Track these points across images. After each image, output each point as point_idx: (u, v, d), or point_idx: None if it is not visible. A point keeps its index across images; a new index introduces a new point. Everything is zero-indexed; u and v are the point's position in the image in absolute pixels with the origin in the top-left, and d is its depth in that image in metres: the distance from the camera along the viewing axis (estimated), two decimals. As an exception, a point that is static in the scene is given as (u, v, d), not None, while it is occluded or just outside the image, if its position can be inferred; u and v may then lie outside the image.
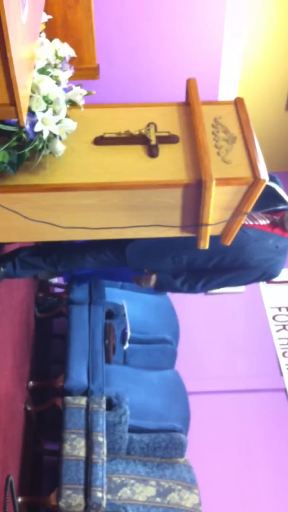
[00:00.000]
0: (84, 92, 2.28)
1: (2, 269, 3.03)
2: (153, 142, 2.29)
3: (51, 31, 2.60)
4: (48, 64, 2.20)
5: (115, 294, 4.43)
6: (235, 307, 4.99)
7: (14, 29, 1.52)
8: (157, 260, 2.95)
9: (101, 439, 3.40)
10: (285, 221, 2.83)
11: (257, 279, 2.96)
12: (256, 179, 2.22)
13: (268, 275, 2.92)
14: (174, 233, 2.46)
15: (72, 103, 2.26)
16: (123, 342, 4.19)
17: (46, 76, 2.08)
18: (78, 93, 2.26)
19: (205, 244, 2.46)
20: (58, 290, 4.80)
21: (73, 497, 3.18)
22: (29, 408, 3.65)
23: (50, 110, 2.05)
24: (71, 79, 2.27)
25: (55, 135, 2.09)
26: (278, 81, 5.30)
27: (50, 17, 2.46)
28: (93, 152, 2.30)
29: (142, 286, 3.09)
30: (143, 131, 2.32)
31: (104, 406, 3.56)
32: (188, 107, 2.43)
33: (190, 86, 2.46)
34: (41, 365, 4.22)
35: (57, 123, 2.07)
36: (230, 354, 4.70)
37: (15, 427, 3.36)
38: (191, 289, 2.98)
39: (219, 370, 4.58)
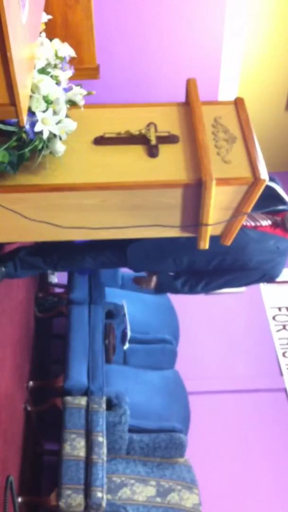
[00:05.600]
0: (84, 92, 2.28)
1: (3, 269, 3.03)
2: (153, 142, 2.29)
3: (51, 31, 2.60)
4: (48, 64, 2.20)
5: (115, 294, 4.43)
6: (235, 307, 4.99)
7: (14, 29, 1.52)
8: (158, 261, 2.94)
9: (101, 439, 3.40)
10: (286, 222, 2.83)
11: (258, 280, 2.95)
12: (256, 179, 2.22)
13: (268, 277, 2.91)
14: (174, 233, 2.46)
15: (72, 103, 2.26)
16: (123, 342, 4.19)
17: (46, 76, 2.07)
18: (78, 93, 2.26)
19: (205, 244, 2.46)
20: (58, 290, 4.80)
21: (73, 497, 3.18)
22: (29, 408, 3.65)
23: (50, 110, 2.05)
24: (71, 79, 2.27)
25: (55, 135, 2.09)
26: (278, 81, 5.30)
27: (50, 17, 2.46)
28: (93, 152, 2.30)
29: (143, 288, 3.09)
30: (143, 131, 2.32)
31: (104, 406, 3.56)
32: (188, 107, 2.43)
33: (190, 86, 2.45)
34: (41, 365, 4.22)
35: (57, 123, 2.07)
36: (230, 354, 4.70)
37: (15, 427, 3.36)
38: (192, 290, 2.97)
39: (219, 370, 4.58)
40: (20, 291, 3.70)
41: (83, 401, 3.58)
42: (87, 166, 2.26)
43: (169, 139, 2.32)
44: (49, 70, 2.16)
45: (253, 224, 2.83)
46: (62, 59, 2.27)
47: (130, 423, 3.67)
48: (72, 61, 2.37)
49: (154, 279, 3.03)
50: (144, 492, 3.48)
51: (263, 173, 2.23)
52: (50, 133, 2.05)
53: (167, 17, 3.86)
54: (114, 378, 3.91)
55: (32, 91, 2.02)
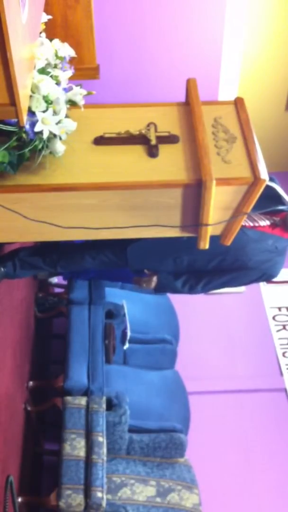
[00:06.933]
0: (84, 92, 2.28)
1: (2, 269, 3.03)
2: (153, 142, 2.29)
3: (51, 31, 2.61)
4: (48, 64, 2.20)
5: (115, 294, 4.43)
6: (235, 307, 4.99)
7: (14, 29, 1.52)
8: (158, 261, 2.95)
9: (101, 439, 3.40)
10: (286, 222, 2.84)
11: (257, 280, 2.96)
12: (256, 179, 2.22)
13: (267, 276, 2.93)
14: (174, 233, 2.46)
15: (72, 103, 2.26)
16: (123, 342, 4.19)
17: (46, 76, 2.08)
18: (78, 93, 2.26)
19: (205, 244, 2.46)
20: (58, 290, 4.80)
21: (73, 497, 3.18)
22: (29, 408, 3.65)
23: (50, 110, 2.05)
24: (71, 79, 2.27)
25: (55, 135, 2.09)
26: (278, 81, 5.30)
27: (50, 17, 2.46)
28: (93, 152, 2.30)
29: (143, 288, 3.09)
30: (143, 131, 2.32)
31: (104, 406, 3.56)
32: (188, 107, 2.43)
33: (190, 86, 2.46)
34: (41, 365, 4.22)
35: (57, 123, 2.07)
36: (230, 354, 4.70)
37: (15, 427, 3.36)
38: (192, 290, 2.98)
39: (219, 370, 4.58)
40: (20, 291, 3.70)
41: (83, 401, 3.58)
42: (87, 166, 2.26)
43: (169, 139, 2.32)
44: (49, 70, 2.16)
45: (251, 224, 2.83)
46: (62, 59, 2.27)
47: (130, 423, 3.67)
48: (72, 61, 2.37)
49: (154, 279, 3.03)
50: (144, 492, 3.48)
51: (263, 173, 2.23)
52: (50, 133, 2.06)
53: (167, 17, 3.86)
54: (114, 378, 3.91)
55: (32, 91, 2.02)
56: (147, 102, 2.65)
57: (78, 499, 3.18)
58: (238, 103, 2.46)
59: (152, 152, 2.28)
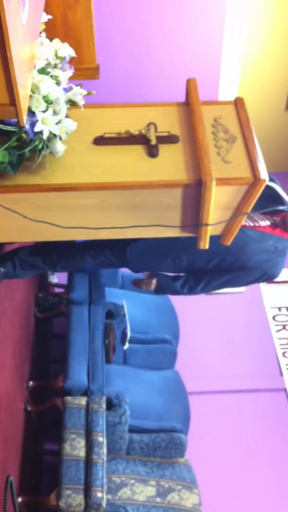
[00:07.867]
0: (84, 92, 2.28)
1: (2, 269, 3.03)
2: (153, 142, 2.29)
3: (51, 31, 2.61)
4: (48, 64, 2.20)
5: (115, 294, 4.43)
6: (235, 307, 4.99)
7: (14, 29, 1.52)
8: (157, 261, 2.95)
9: (101, 439, 3.40)
10: (286, 222, 2.83)
11: (257, 280, 2.96)
12: (256, 179, 2.22)
13: (267, 276, 2.92)
14: (174, 233, 2.46)
15: (72, 103, 2.26)
16: (123, 342, 4.19)
17: (46, 76, 2.08)
18: (78, 93, 2.26)
19: (205, 244, 2.46)
20: (58, 290, 4.80)
21: (73, 497, 3.18)
22: (29, 408, 3.65)
23: (50, 110, 2.05)
24: (71, 79, 2.27)
25: (55, 135, 2.09)
26: (278, 81, 5.30)
27: (50, 17, 2.46)
28: (93, 152, 2.30)
29: (143, 289, 3.09)
30: (143, 131, 2.32)
31: (104, 406, 3.56)
32: (188, 107, 2.43)
33: (190, 86, 2.45)
34: (41, 365, 4.22)
35: (57, 123, 2.07)
36: (230, 354, 4.70)
37: (15, 427, 3.36)
38: (191, 291, 2.98)
39: (219, 370, 4.58)
40: (20, 291, 3.70)
41: (83, 401, 3.58)
42: (87, 166, 2.26)
43: (169, 139, 2.32)
44: (49, 70, 2.16)
45: (252, 224, 2.83)
46: (62, 59, 2.27)
47: (130, 423, 3.67)
48: (72, 61, 2.37)
49: (154, 281, 3.03)
50: (144, 492, 3.48)
51: (263, 173, 2.23)
52: (50, 133, 2.06)
53: (167, 17, 3.86)
54: (114, 378, 3.91)
55: (32, 91, 2.02)
56: (147, 102, 2.65)
57: (78, 499, 3.18)
58: (238, 103, 2.46)
59: (152, 152, 2.28)
